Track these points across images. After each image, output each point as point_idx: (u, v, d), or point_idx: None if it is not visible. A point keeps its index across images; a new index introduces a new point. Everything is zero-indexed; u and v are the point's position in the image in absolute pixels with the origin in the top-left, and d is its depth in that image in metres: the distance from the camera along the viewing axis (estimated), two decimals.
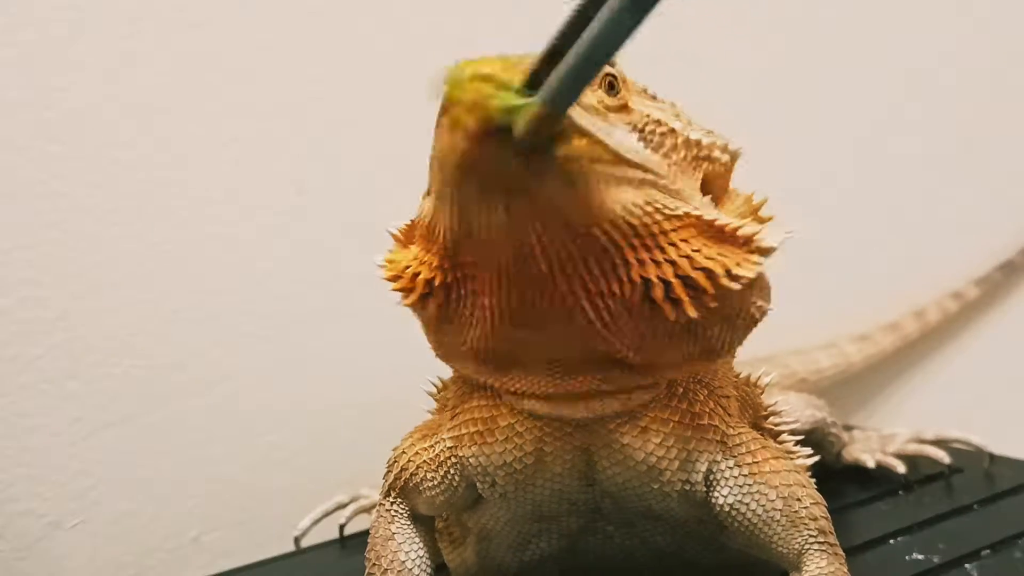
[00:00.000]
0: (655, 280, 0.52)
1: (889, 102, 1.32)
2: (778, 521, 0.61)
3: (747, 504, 0.61)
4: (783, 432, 0.72)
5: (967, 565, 0.76)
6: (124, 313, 0.96)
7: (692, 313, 0.53)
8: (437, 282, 0.55)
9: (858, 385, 1.29)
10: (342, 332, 1.04)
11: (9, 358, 0.91)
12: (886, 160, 1.32)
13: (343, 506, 0.97)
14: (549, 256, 0.50)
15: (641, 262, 0.52)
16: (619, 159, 0.51)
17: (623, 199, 0.51)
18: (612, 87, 0.55)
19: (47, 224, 0.92)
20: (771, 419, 0.71)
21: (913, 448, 0.98)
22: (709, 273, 0.53)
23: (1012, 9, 1.38)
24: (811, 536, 0.61)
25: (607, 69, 0.54)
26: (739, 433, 0.63)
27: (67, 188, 0.92)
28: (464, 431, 0.65)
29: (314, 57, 1.00)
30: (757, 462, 0.62)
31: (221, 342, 1.00)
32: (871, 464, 0.96)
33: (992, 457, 0.96)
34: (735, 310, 0.56)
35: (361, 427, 1.03)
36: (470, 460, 0.64)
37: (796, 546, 0.61)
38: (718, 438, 0.62)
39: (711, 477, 0.62)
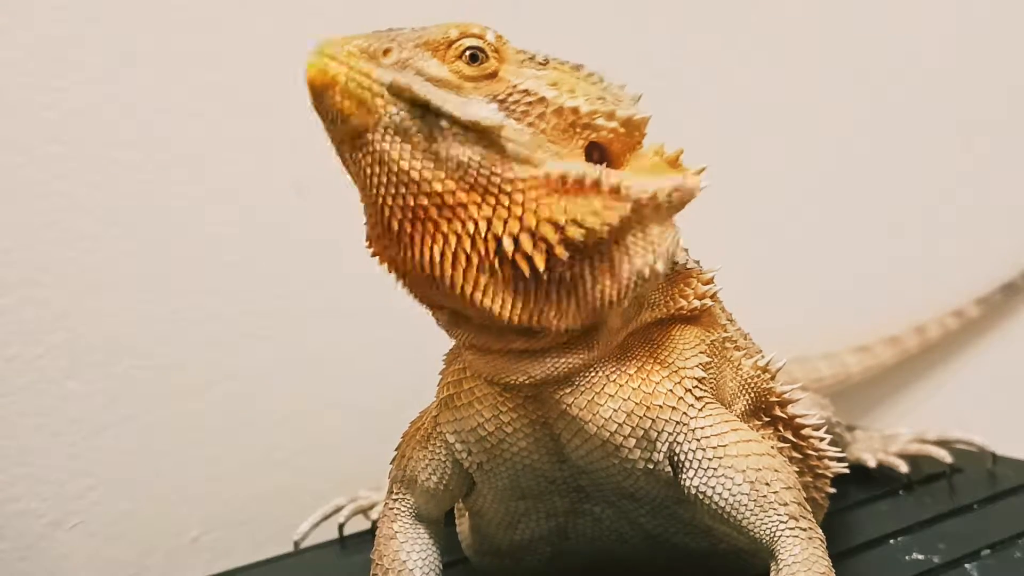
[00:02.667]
0: (504, 236, 0.55)
1: (894, 117, 1.32)
2: (746, 506, 0.61)
3: (713, 487, 0.61)
4: (807, 426, 0.71)
5: (967, 565, 0.76)
6: (124, 313, 0.96)
7: (540, 264, 0.55)
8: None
9: (859, 392, 1.29)
10: (342, 332, 1.04)
11: (9, 358, 0.91)
12: (891, 175, 1.32)
13: (341, 509, 0.97)
14: (397, 210, 0.55)
15: (488, 220, 0.55)
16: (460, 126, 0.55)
17: (459, 154, 0.54)
18: (475, 58, 0.57)
19: (47, 224, 0.92)
20: (788, 408, 0.70)
21: (915, 448, 0.98)
22: (555, 224, 0.55)
23: (1014, 17, 1.38)
24: (781, 522, 0.60)
25: (470, 41, 0.57)
26: (706, 415, 0.62)
27: (67, 188, 0.92)
28: (443, 395, 0.66)
29: None
30: (724, 445, 0.61)
31: (221, 342, 1.00)
32: (872, 463, 0.96)
33: (995, 457, 0.96)
34: (610, 260, 0.57)
35: (361, 427, 1.03)
36: (445, 427, 0.65)
37: (768, 532, 0.60)
38: (676, 419, 0.62)
39: (675, 459, 0.62)
